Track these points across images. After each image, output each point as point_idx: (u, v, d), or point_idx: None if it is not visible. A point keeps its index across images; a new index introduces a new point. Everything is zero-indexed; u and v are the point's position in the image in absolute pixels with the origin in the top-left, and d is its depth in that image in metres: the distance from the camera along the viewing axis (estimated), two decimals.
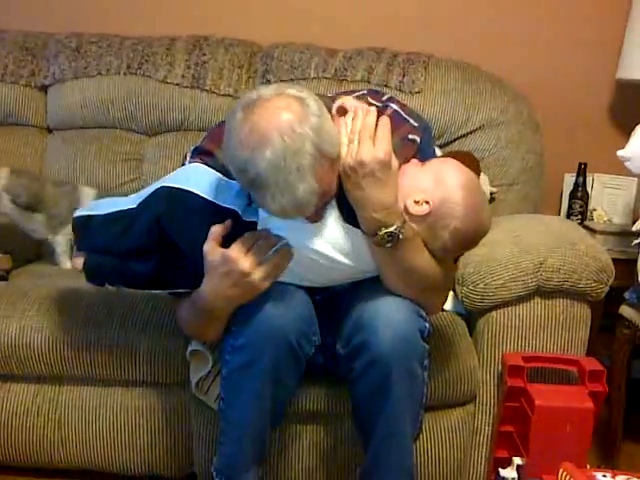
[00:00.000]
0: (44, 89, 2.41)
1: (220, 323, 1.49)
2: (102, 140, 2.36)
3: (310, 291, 1.53)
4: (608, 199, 2.47)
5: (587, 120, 2.52)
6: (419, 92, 2.24)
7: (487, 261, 1.74)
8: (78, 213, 1.58)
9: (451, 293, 1.88)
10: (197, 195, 1.43)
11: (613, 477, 1.47)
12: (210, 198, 1.43)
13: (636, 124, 2.01)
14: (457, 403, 1.75)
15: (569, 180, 2.46)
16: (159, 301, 1.81)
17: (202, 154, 1.52)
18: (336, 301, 1.58)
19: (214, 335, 1.54)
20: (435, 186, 1.41)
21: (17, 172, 2.11)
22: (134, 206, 1.49)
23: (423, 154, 1.49)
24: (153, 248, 1.47)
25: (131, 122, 2.37)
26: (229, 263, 1.38)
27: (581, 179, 2.40)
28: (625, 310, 1.96)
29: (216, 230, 1.39)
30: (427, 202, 1.40)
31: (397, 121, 1.47)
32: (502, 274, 1.72)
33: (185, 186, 1.44)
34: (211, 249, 1.39)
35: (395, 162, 1.39)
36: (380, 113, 1.42)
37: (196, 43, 2.40)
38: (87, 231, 1.55)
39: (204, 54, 2.38)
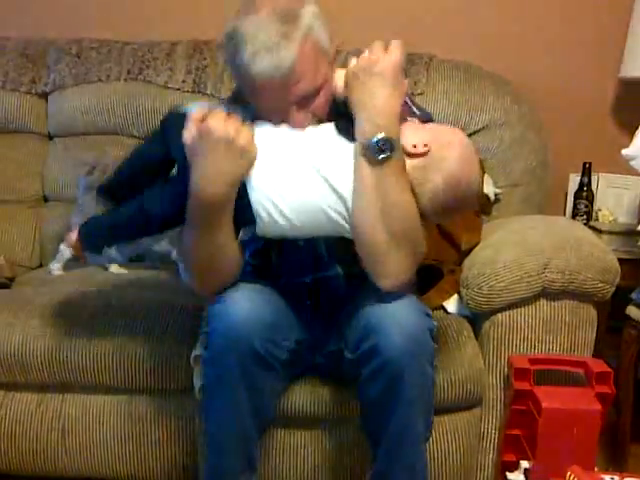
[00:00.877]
0: (45, 96, 2.41)
1: (225, 226, 1.42)
2: (103, 146, 2.34)
3: (300, 295, 1.54)
4: (614, 199, 2.45)
5: (591, 119, 2.51)
6: (421, 93, 2.23)
7: (491, 263, 1.73)
8: None
9: (456, 296, 1.88)
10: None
11: (621, 479, 1.45)
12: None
13: None
14: (463, 406, 1.73)
15: (574, 180, 2.45)
16: (163, 307, 1.81)
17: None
18: (336, 305, 1.57)
19: (225, 249, 1.45)
20: (434, 136, 1.41)
21: None
22: None
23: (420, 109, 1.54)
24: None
25: (132, 128, 2.36)
26: (211, 134, 1.34)
27: (586, 179, 2.39)
28: (632, 311, 1.94)
29: (195, 114, 1.37)
30: (425, 145, 1.39)
31: (403, 109, 1.47)
32: (507, 276, 1.70)
33: None
34: (188, 130, 1.36)
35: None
36: None
37: (196, 48, 2.40)
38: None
39: (205, 58, 2.38)
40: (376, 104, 1.36)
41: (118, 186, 1.54)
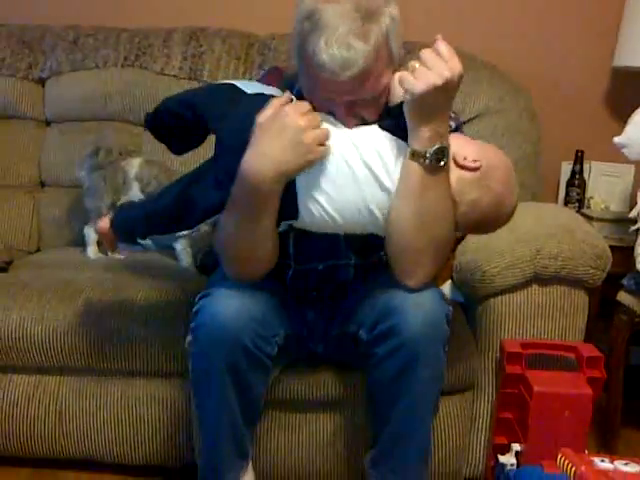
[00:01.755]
0: (41, 82, 2.41)
1: (269, 216, 1.39)
2: (100, 132, 2.35)
3: (307, 283, 1.55)
4: (605, 186, 2.47)
5: (584, 108, 2.52)
6: None
7: (484, 249, 1.75)
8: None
9: (449, 281, 1.90)
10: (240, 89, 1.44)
11: (611, 462, 1.48)
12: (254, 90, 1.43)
13: (632, 111, 2.02)
14: (456, 390, 1.76)
15: (566, 168, 2.47)
16: (159, 291, 1.83)
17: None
18: (341, 293, 1.58)
19: (267, 239, 1.43)
20: (482, 153, 1.42)
21: (149, 162, 2.16)
22: None
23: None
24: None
25: (129, 114, 2.37)
26: (285, 117, 1.33)
27: (578, 167, 2.41)
28: (623, 296, 1.96)
29: (280, 98, 1.36)
30: (476, 160, 1.40)
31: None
32: (499, 262, 1.72)
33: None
34: (266, 110, 1.34)
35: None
36: None
37: (193, 34, 2.40)
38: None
39: (201, 45, 2.38)
40: (437, 113, 1.33)
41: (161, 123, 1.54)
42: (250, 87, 1.46)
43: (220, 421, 1.48)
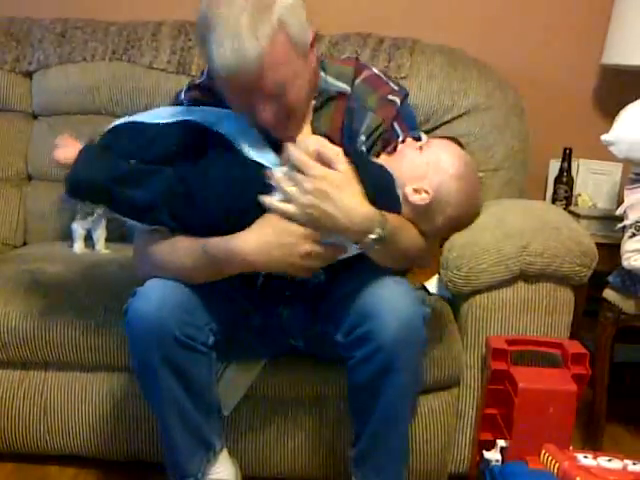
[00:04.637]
0: (29, 75, 2.39)
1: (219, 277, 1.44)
2: (87, 126, 2.34)
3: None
4: (593, 184, 2.48)
5: (572, 105, 2.53)
6: (405, 77, 2.23)
7: (471, 245, 1.75)
8: (119, 121, 1.49)
9: (436, 277, 1.90)
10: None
11: (594, 458, 1.49)
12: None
13: (620, 109, 2.02)
14: (442, 386, 1.77)
15: (554, 165, 2.47)
16: None
17: (194, 88, 1.58)
18: (323, 288, 1.57)
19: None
20: (433, 173, 1.41)
21: None
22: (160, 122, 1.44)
23: (403, 119, 1.54)
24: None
25: (116, 108, 2.35)
26: (296, 239, 1.35)
27: (566, 164, 2.41)
28: (609, 293, 1.97)
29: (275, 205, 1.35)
30: (426, 191, 1.41)
31: (377, 81, 1.55)
32: (486, 258, 1.73)
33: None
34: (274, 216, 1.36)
35: (342, 164, 1.34)
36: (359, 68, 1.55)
37: (182, 28, 2.39)
38: (118, 133, 1.46)
39: (190, 39, 2.36)
40: (346, 216, 1.33)
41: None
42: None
43: (169, 413, 1.48)
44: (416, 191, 1.41)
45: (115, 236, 2.22)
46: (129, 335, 1.43)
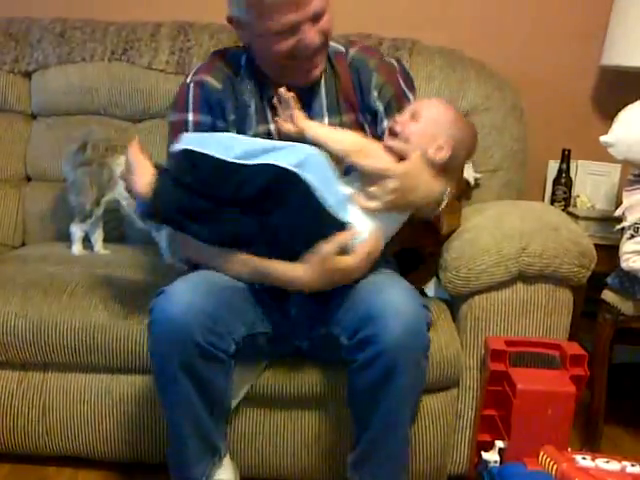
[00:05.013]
0: (28, 75, 2.39)
1: None
2: (87, 126, 2.33)
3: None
4: (592, 185, 2.48)
5: (571, 106, 2.53)
6: None
7: (470, 246, 1.75)
8: (185, 146, 1.47)
9: (434, 279, 1.90)
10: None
11: (593, 459, 1.49)
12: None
13: (619, 110, 2.02)
14: (441, 387, 1.76)
15: (553, 166, 2.48)
16: (143, 287, 1.82)
17: (198, 83, 1.61)
18: (324, 292, 1.56)
19: None
20: (438, 129, 1.53)
21: None
22: (245, 162, 1.44)
23: (405, 80, 1.71)
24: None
25: (115, 108, 2.35)
26: (344, 273, 1.47)
27: (565, 165, 2.42)
28: (607, 295, 1.97)
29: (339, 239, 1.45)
30: (442, 146, 1.52)
31: (371, 50, 1.73)
32: (485, 259, 1.73)
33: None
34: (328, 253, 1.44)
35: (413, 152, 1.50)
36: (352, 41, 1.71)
37: (180, 29, 2.39)
38: (194, 165, 1.45)
39: (189, 40, 2.37)
40: (429, 199, 1.55)
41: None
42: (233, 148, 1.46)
43: (181, 417, 1.48)
44: (437, 151, 1.52)
45: (113, 237, 2.22)
46: (152, 334, 1.44)
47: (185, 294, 1.43)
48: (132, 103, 2.35)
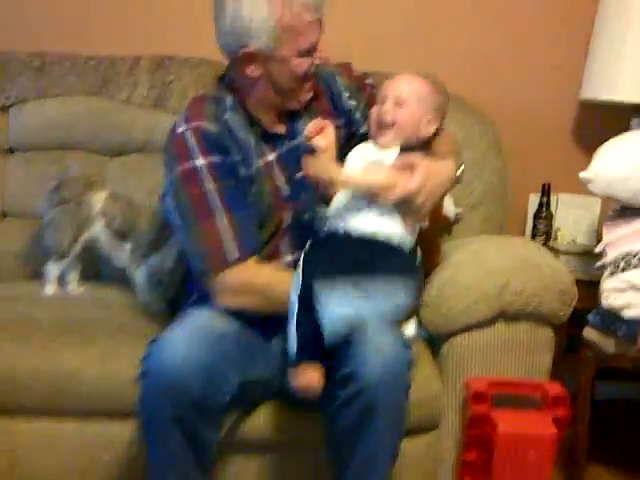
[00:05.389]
0: (6, 109, 2.36)
1: None
2: (65, 161, 2.30)
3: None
4: (572, 219, 2.47)
5: (551, 140, 2.54)
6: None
7: (450, 284, 1.74)
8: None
9: (414, 317, 1.87)
10: None
11: None
12: None
13: (600, 144, 2.03)
14: (421, 429, 1.73)
15: (534, 200, 2.47)
16: (118, 329, 1.80)
17: (196, 129, 1.60)
18: None
19: None
20: (422, 104, 1.59)
21: (115, 197, 2.08)
22: None
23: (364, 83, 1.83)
24: None
25: (94, 143, 2.33)
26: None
27: (545, 199, 2.41)
28: (589, 332, 1.96)
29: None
30: (431, 120, 1.60)
31: (347, 67, 1.84)
32: (465, 297, 1.72)
33: None
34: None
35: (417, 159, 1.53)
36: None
37: (160, 63, 2.37)
38: None
39: (168, 74, 2.35)
40: (443, 185, 1.59)
41: None
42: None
43: (168, 470, 1.45)
44: (427, 126, 1.59)
45: (89, 274, 2.18)
46: (145, 386, 1.40)
47: (181, 344, 1.40)
48: (111, 137, 2.32)
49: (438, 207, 1.67)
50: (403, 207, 1.51)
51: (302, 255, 1.52)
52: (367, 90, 1.81)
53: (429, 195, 1.52)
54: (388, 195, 1.48)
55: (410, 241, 1.54)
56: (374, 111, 1.60)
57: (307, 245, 1.54)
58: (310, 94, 1.68)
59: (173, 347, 1.39)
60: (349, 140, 1.71)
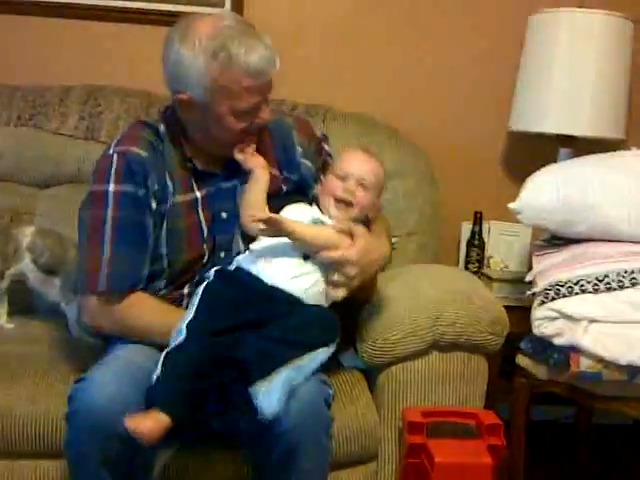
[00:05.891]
0: None
1: None
2: None
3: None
4: (504, 246, 2.52)
5: (482, 170, 2.60)
6: None
7: (385, 317, 1.76)
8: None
9: (351, 348, 1.88)
10: None
11: None
12: None
13: (529, 173, 2.07)
14: (358, 461, 1.73)
15: (466, 228, 2.51)
16: (49, 365, 1.74)
17: (122, 154, 1.62)
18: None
19: None
20: (379, 189, 1.68)
21: (43, 232, 2.02)
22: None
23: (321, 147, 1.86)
24: None
25: (21, 174, 2.26)
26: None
27: (477, 227, 2.46)
28: (521, 359, 1.98)
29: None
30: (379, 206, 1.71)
31: (280, 112, 1.90)
32: (399, 329, 1.73)
33: None
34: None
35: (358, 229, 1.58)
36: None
37: (90, 93, 2.34)
38: None
39: (99, 105, 2.32)
40: (381, 266, 1.66)
41: None
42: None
43: None
44: (376, 211, 1.70)
45: (19, 309, 2.12)
46: (71, 426, 1.37)
47: (108, 383, 1.37)
48: (39, 169, 2.27)
49: (372, 281, 1.70)
50: (333, 272, 1.54)
51: (203, 285, 1.52)
52: (323, 155, 1.84)
53: (361, 269, 1.55)
54: (329, 254, 1.51)
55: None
56: (337, 186, 1.62)
57: (211, 275, 1.54)
58: (252, 147, 1.67)
59: (99, 386, 1.36)
60: (289, 194, 1.72)
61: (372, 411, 1.74)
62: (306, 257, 1.55)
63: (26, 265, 1.98)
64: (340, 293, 1.55)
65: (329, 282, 1.55)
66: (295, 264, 1.54)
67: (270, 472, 1.42)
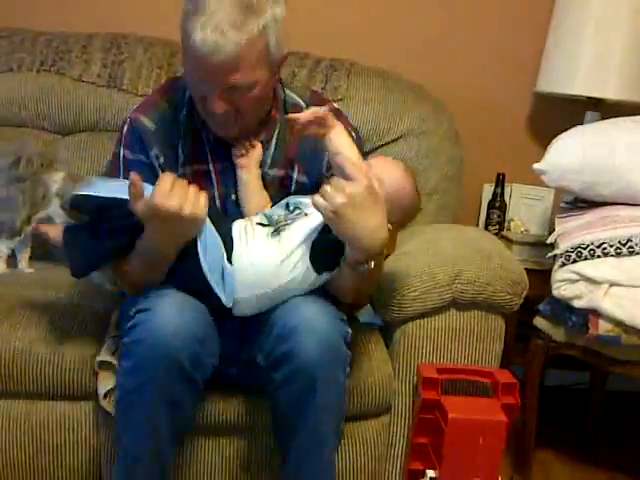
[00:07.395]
0: None
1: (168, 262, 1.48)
2: (12, 139, 2.24)
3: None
4: (525, 209, 2.51)
5: (506, 131, 2.56)
6: (341, 99, 2.21)
7: (403, 272, 1.74)
8: (80, 192, 1.49)
9: (368, 305, 1.88)
10: None
11: None
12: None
13: (553, 136, 2.05)
14: (372, 414, 1.73)
15: (488, 190, 2.49)
16: (68, 309, 1.75)
17: (132, 120, 1.61)
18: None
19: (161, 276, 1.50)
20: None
21: (72, 177, 2.01)
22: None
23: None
24: None
25: (44, 121, 2.27)
26: (159, 212, 1.36)
27: (499, 189, 2.44)
28: (539, 321, 1.98)
29: (133, 194, 1.38)
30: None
31: (343, 117, 1.64)
32: (418, 286, 1.72)
33: None
34: (134, 204, 1.39)
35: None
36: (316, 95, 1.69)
37: (114, 41, 2.32)
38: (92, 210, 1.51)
39: (122, 53, 2.30)
40: (363, 234, 1.39)
41: None
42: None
43: (146, 443, 1.42)
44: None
45: (39, 254, 2.13)
46: (133, 353, 1.39)
47: (174, 315, 1.38)
48: (61, 116, 2.27)
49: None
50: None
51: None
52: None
53: (355, 204, 1.36)
54: (346, 161, 1.40)
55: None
56: None
57: None
58: (230, 134, 1.56)
59: (165, 317, 1.37)
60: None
61: (387, 365, 1.74)
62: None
63: (54, 210, 1.98)
64: (321, 202, 1.38)
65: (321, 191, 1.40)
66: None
67: (286, 409, 1.42)
